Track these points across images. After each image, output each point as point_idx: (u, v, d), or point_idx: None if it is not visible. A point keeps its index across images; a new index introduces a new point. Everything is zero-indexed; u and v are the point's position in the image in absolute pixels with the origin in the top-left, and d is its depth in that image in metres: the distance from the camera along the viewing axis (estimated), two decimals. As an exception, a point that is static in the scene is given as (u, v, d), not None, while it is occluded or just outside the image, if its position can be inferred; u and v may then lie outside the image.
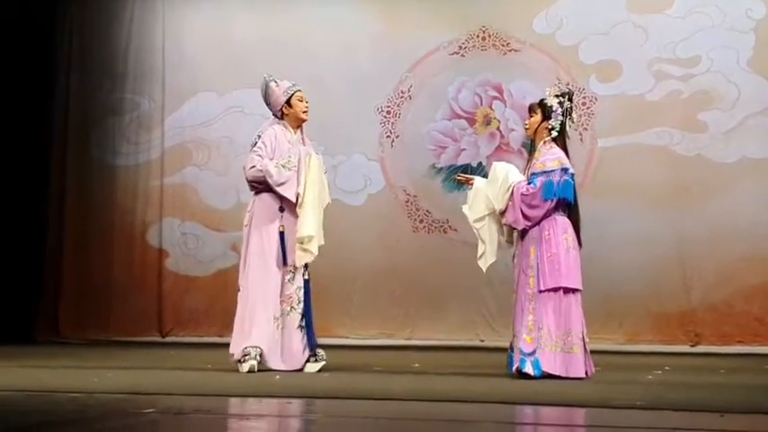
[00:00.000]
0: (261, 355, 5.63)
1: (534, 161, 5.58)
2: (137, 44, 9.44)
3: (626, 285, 8.09)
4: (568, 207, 5.56)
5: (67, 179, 9.41)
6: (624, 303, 8.08)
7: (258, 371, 5.58)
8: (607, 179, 8.32)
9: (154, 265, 9.16)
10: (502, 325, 8.44)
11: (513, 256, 5.66)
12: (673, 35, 8.36)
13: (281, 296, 5.76)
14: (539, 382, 5.20)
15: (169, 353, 7.54)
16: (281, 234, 5.80)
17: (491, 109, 8.72)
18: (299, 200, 5.76)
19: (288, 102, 5.99)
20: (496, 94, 8.71)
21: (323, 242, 5.89)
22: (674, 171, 8.25)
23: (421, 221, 8.74)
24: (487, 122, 8.72)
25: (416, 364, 6.41)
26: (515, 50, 8.67)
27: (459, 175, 5.91)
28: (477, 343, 8.41)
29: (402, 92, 8.86)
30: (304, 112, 6.01)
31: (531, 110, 5.67)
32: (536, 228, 5.48)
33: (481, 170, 8.63)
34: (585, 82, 8.44)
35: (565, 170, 5.52)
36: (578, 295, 5.46)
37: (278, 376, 5.53)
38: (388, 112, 8.87)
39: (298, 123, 6.00)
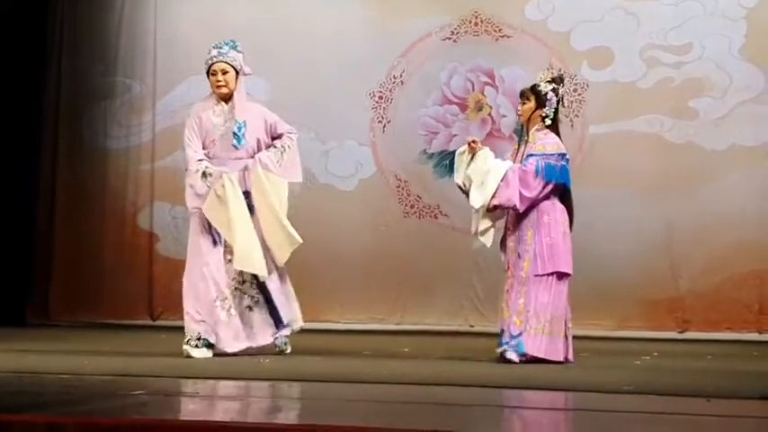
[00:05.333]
0: (200, 338, 5.60)
1: (530, 144, 5.55)
2: (128, 27, 9.40)
3: (615, 272, 8.11)
4: (564, 193, 5.55)
5: (58, 162, 9.38)
6: (613, 289, 8.10)
7: (215, 355, 5.59)
8: (597, 166, 8.33)
9: (144, 248, 9.15)
10: (491, 310, 8.46)
11: (503, 242, 5.66)
12: (665, 22, 8.35)
13: (226, 276, 5.71)
14: (527, 366, 5.22)
15: (159, 336, 7.54)
16: None
17: (483, 95, 8.71)
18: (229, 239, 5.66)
19: (207, 73, 5.85)
20: (488, 80, 8.71)
21: (300, 241, 5.88)
22: (664, 158, 8.26)
23: (412, 207, 8.74)
24: (479, 108, 8.71)
25: (406, 349, 6.43)
26: (507, 36, 8.66)
27: (476, 142, 5.64)
28: (466, 328, 8.43)
29: (394, 77, 8.85)
30: (217, 86, 5.78)
31: (524, 96, 5.63)
32: (534, 211, 5.46)
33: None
34: (577, 68, 8.43)
35: (563, 155, 5.54)
36: (568, 280, 5.50)
37: (267, 360, 5.54)
38: (380, 98, 8.86)
39: (220, 96, 5.81)
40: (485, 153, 5.57)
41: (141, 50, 9.35)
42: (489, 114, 8.67)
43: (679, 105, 8.28)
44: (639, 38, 8.38)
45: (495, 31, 8.67)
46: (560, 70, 6.03)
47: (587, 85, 8.43)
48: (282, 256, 5.85)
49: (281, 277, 5.93)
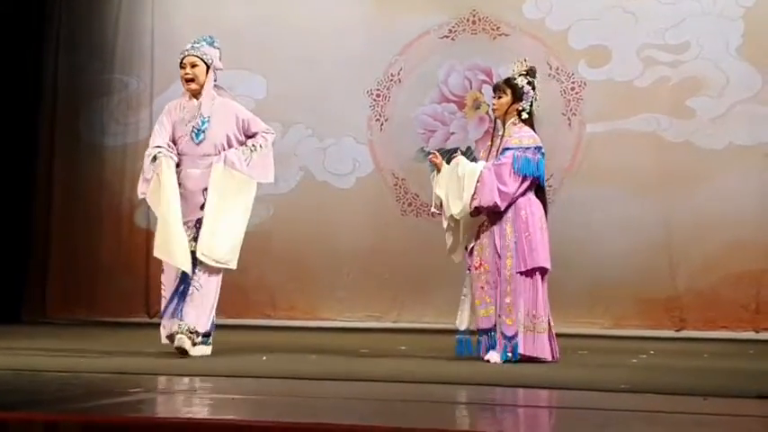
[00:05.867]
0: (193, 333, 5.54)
1: (506, 138, 5.45)
2: (125, 24, 9.39)
3: (612, 270, 8.11)
4: (539, 187, 5.47)
5: (55, 159, 9.37)
6: (610, 288, 8.11)
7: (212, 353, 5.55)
8: (594, 164, 8.34)
9: (141, 246, 9.12)
10: (489, 309, 8.48)
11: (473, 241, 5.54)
12: (662, 21, 8.35)
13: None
14: (524, 364, 5.22)
15: (156, 333, 7.52)
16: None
17: (480, 93, 8.71)
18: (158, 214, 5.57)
19: (179, 66, 5.74)
20: (486, 79, 8.70)
21: (231, 267, 5.63)
22: (661, 157, 8.26)
23: (409, 205, 8.74)
24: (477, 106, 8.71)
25: (403, 347, 6.43)
26: (505, 35, 8.66)
27: (436, 156, 5.61)
28: (463, 326, 8.42)
29: (391, 75, 8.85)
30: (185, 79, 5.67)
31: (499, 90, 5.51)
32: (511, 207, 5.37)
33: (470, 154, 8.61)
34: (574, 67, 8.43)
35: (539, 148, 5.43)
36: (546, 276, 5.41)
37: (265, 357, 5.55)
38: (378, 96, 8.86)
39: (189, 91, 5.71)
40: (455, 161, 5.48)
41: (138, 48, 9.34)
42: (487, 113, 8.66)
43: (676, 104, 8.28)
44: (637, 36, 8.38)
45: (492, 29, 8.67)
46: (526, 60, 5.84)
47: (584, 84, 8.43)
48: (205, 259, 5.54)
49: (207, 285, 5.61)
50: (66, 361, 5.16)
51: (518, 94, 5.48)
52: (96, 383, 4.34)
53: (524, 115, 5.49)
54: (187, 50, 5.74)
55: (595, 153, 8.36)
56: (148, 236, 9.12)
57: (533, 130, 5.52)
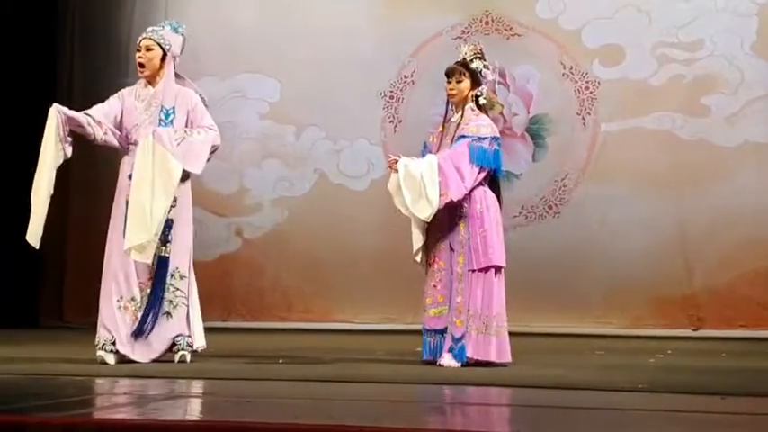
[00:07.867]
0: (114, 343, 5.18)
1: (463, 125, 5.21)
2: (139, 28, 9.38)
3: (628, 269, 8.09)
4: (493, 179, 5.24)
5: (71, 162, 9.35)
6: (626, 287, 8.09)
7: (121, 362, 5.14)
8: (609, 163, 8.32)
9: (157, 249, 9.16)
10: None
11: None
12: (676, 19, 8.34)
13: (135, 274, 5.31)
14: (540, 366, 5.21)
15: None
16: (127, 203, 5.41)
17: (494, 93, 8.68)
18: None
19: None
20: (499, 79, 8.67)
21: (147, 260, 5.24)
22: (676, 155, 8.24)
23: (424, 206, 8.73)
24: (490, 107, 8.68)
25: (418, 349, 6.42)
26: (518, 35, 8.65)
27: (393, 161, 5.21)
28: (479, 327, 8.40)
29: (405, 76, 8.85)
30: (138, 63, 5.40)
31: (457, 74, 5.32)
32: (465, 200, 5.10)
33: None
34: (589, 66, 8.42)
35: (496, 138, 5.22)
36: (503, 274, 5.15)
37: (281, 360, 5.55)
38: (391, 97, 8.86)
39: (142, 76, 5.46)
40: (401, 164, 5.10)
41: (152, 52, 9.36)
42: (501, 113, 8.66)
43: (691, 102, 8.26)
44: (651, 35, 8.37)
45: (505, 29, 8.66)
46: (478, 43, 5.78)
47: (599, 83, 8.42)
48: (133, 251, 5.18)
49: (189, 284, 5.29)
50: (84, 365, 5.17)
51: (476, 79, 5.36)
52: (114, 387, 4.36)
53: (481, 101, 5.35)
54: (145, 33, 5.52)
55: (610, 152, 8.35)
56: (164, 239, 9.16)
57: (487, 115, 5.35)
